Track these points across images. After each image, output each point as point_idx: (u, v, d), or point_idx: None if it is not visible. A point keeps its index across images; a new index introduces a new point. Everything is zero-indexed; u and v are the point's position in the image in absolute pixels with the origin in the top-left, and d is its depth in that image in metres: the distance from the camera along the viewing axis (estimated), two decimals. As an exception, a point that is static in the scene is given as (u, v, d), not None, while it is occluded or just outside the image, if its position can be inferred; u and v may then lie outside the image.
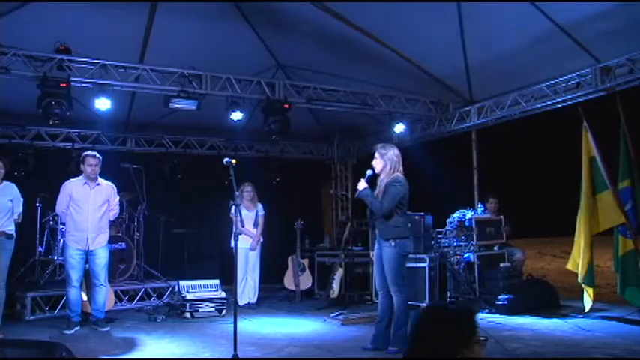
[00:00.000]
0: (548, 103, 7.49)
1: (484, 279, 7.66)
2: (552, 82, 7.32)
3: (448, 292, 7.97)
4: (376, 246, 5.42)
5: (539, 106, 7.64)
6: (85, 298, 6.64)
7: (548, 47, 6.83)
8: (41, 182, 8.35)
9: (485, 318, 6.80)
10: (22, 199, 6.27)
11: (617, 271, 6.56)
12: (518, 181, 14.19)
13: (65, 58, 6.68)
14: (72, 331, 6.20)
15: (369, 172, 5.40)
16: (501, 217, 8.32)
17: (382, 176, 5.32)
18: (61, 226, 7.51)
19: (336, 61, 8.50)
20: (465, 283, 7.77)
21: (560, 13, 6.31)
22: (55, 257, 7.95)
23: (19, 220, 6.25)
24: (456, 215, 8.22)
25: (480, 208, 8.49)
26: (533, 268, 11.21)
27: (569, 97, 7.20)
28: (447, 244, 8.12)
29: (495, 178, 10.09)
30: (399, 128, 8.66)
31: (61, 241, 7.56)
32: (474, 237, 7.80)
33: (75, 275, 6.32)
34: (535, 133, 11.56)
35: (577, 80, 7.09)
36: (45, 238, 8.21)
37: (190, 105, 7.33)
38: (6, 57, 6.39)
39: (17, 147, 9.06)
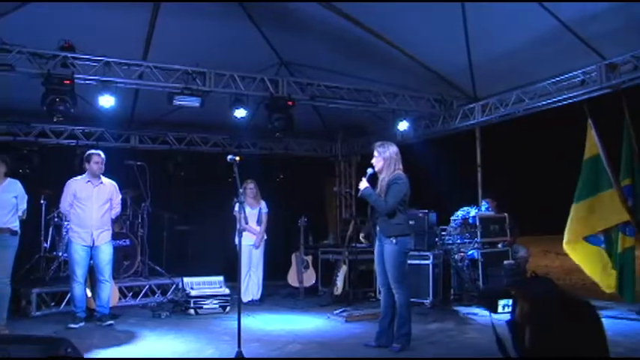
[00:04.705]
0: (553, 100, 7.46)
1: (488, 276, 7.66)
2: (557, 79, 7.30)
3: (452, 290, 7.98)
4: (377, 243, 5.42)
5: (543, 103, 7.62)
6: (89, 294, 6.67)
7: (553, 45, 6.81)
8: (45, 179, 8.38)
9: (487, 316, 6.79)
10: (26, 196, 6.28)
11: (616, 268, 6.54)
12: (523, 179, 14.19)
13: (69, 55, 6.70)
14: (77, 327, 6.24)
15: (369, 171, 5.39)
16: (505, 214, 8.30)
17: (383, 174, 5.31)
18: (66, 223, 7.53)
19: (340, 59, 8.49)
20: (469, 280, 7.77)
21: (565, 11, 6.29)
22: (60, 253, 7.98)
23: (24, 217, 6.27)
24: (460, 212, 8.22)
25: (484, 206, 8.47)
26: (537, 266, 11.19)
27: (574, 94, 7.17)
28: (450, 242, 8.12)
29: (499, 176, 10.08)
30: (403, 126, 8.65)
31: (66, 237, 7.58)
32: (478, 234, 7.79)
33: (79, 271, 6.36)
34: (539, 130, 11.55)
35: (582, 78, 7.06)
36: (50, 235, 8.24)
37: (194, 102, 7.34)
38: (10, 54, 6.41)
39: (22, 144, 9.10)
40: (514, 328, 2.03)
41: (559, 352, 1.85)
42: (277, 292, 9.01)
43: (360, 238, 6.10)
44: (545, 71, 7.34)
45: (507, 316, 2.11)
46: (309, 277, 8.89)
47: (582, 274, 7.22)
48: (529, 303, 2.00)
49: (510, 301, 2.11)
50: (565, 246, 6.90)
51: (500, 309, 2.51)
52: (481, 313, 6.96)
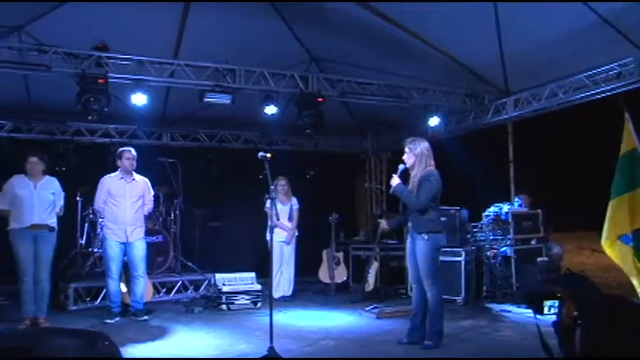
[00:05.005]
0: (588, 94, 7.28)
1: (521, 273, 7.55)
2: (592, 72, 7.12)
3: (484, 287, 7.90)
4: (409, 240, 5.40)
5: (578, 97, 7.44)
6: (124, 289, 6.80)
7: (587, 37, 6.62)
8: (81, 176, 8.53)
9: (523, 313, 6.71)
10: (63, 193, 6.45)
11: None
12: (557, 174, 13.94)
13: (103, 55, 6.80)
14: (112, 322, 6.38)
15: (401, 167, 5.38)
16: (539, 210, 8.17)
17: (414, 171, 5.28)
18: (101, 220, 7.68)
19: (370, 54, 8.44)
20: (502, 277, 7.67)
21: (601, 2, 6.13)
22: (95, 250, 8.14)
23: (61, 214, 6.43)
24: (493, 209, 8.11)
25: (517, 202, 8.35)
26: (571, 262, 10.99)
27: (610, 87, 6.99)
28: (482, 238, 8.03)
29: (532, 171, 9.92)
30: (434, 121, 8.55)
31: (101, 234, 7.73)
32: (511, 231, 7.69)
33: (114, 267, 6.50)
34: (573, 124, 11.32)
35: (618, 70, 6.87)
36: (85, 231, 8.41)
37: (224, 99, 7.38)
38: (47, 55, 6.54)
39: (58, 143, 9.33)
40: (560, 330, 1.99)
41: (613, 352, 1.81)
42: (308, 289, 9.05)
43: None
44: (580, 64, 7.15)
45: (553, 317, 2.07)
46: (341, 274, 8.90)
47: (619, 272, 7.05)
48: (576, 304, 1.96)
49: (556, 303, 2.08)
50: (603, 245, 6.74)
51: (546, 310, 2.48)
52: (515, 311, 6.88)
